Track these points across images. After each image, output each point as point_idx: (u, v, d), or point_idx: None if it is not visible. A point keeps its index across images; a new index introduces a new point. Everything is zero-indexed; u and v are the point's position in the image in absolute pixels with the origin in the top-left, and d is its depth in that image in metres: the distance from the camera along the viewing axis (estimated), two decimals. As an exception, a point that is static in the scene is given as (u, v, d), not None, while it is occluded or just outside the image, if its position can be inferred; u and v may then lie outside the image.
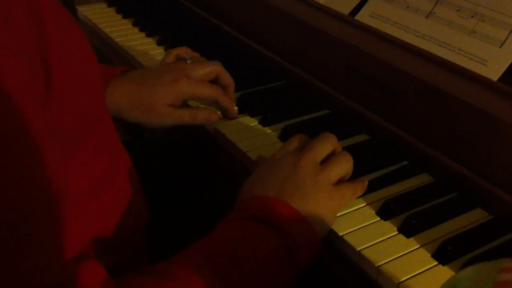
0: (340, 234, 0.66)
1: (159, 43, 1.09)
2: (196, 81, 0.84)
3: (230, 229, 0.63)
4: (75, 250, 0.46)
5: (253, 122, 0.86)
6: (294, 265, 0.62)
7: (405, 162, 0.77)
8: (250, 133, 0.83)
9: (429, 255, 0.63)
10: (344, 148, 0.79)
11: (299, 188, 0.65)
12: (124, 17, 1.20)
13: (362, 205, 0.70)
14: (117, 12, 1.23)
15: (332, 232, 0.67)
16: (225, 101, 0.85)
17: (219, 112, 0.86)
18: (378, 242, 0.65)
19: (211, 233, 0.62)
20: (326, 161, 0.70)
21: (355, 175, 0.72)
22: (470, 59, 0.75)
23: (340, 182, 0.70)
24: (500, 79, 0.72)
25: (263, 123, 0.85)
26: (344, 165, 0.70)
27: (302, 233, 0.63)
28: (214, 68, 0.87)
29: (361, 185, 0.71)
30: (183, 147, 1.01)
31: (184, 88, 0.82)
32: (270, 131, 0.84)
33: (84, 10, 1.22)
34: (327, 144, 0.71)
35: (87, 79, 0.58)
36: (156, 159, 0.98)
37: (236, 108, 0.89)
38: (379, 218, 0.68)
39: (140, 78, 0.84)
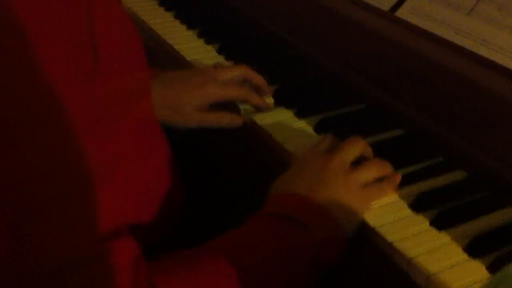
0: (372, 226, 0.67)
1: (199, 36, 1.11)
2: (224, 84, 0.86)
3: (259, 224, 0.65)
4: (108, 227, 0.47)
5: (289, 114, 0.87)
6: (319, 262, 0.64)
7: (441, 158, 0.77)
8: (286, 125, 0.85)
9: (461, 249, 0.64)
10: (379, 142, 0.80)
11: (329, 187, 0.67)
12: (167, 9, 1.23)
13: (395, 198, 0.71)
14: (160, 4, 1.25)
15: (365, 224, 0.68)
16: (255, 100, 0.87)
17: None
18: (410, 234, 0.65)
19: (241, 227, 0.64)
20: (355, 164, 0.71)
21: (394, 168, 0.73)
22: (511, 58, 0.75)
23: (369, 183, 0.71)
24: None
25: (299, 115, 0.86)
26: (373, 169, 0.71)
27: (330, 232, 0.65)
28: (240, 71, 0.89)
29: (391, 184, 0.71)
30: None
31: (211, 91, 0.84)
32: (305, 123, 0.85)
33: (127, 2, 1.25)
34: (356, 147, 0.72)
35: (131, 57, 0.60)
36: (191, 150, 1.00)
37: (272, 101, 0.90)
38: (411, 211, 0.69)
39: (168, 81, 0.86)
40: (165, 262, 0.56)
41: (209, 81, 0.85)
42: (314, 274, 0.65)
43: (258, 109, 0.89)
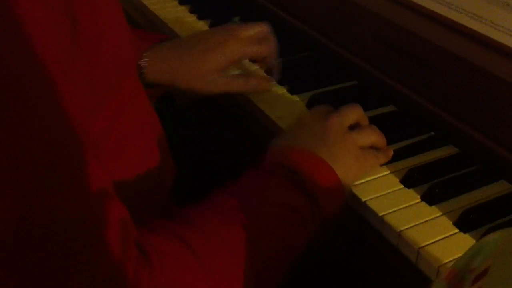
0: (363, 200, 0.67)
1: (192, 12, 1.10)
2: (245, 39, 0.82)
3: (256, 178, 0.64)
4: (99, 192, 0.48)
5: (281, 91, 0.87)
6: (316, 217, 0.63)
7: (431, 133, 0.78)
8: (279, 101, 0.85)
9: (451, 223, 0.64)
10: (371, 118, 0.80)
11: (328, 145, 0.67)
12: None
13: (386, 173, 0.71)
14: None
15: (355, 198, 0.68)
16: (273, 60, 0.84)
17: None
18: (401, 208, 0.66)
19: (237, 181, 0.63)
20: (353, 129, 0.71)
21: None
22: (502, 32, 0.75)
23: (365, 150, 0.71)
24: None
25: (291, 91, 0.86)
26: (372, 135, 0.71)
27: (329, 185, 0.65)
28: (262, 28, 0.84)
29: (385, 155, 0.72)
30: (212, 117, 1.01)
31: (234, 47, 0.80)
32: (298, 99, 0.85)
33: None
34: (354, 112, 0.72)
35: (114, 31, 0.58)
36: (186, 127, 1.00)
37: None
38: (402, 186, 0.69)
39: (184, 45, 0.82)
40: (157, 222, 0.56)
41: (230, 38, 0.81)
42: (313, 229, 0.64)
43: (270, 72, 0.86)
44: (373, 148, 0.72)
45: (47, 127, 0.45)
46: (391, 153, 0.72)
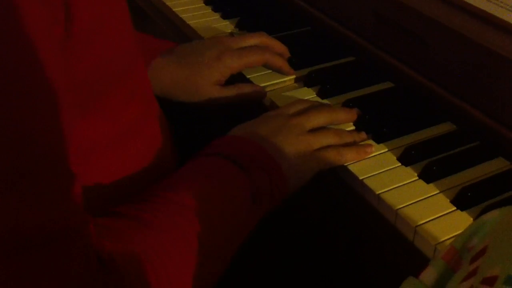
0: (361, 178, 0.67)
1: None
2: (239, 51, 0.81)
3: (197, 165, 0.64)
4: (72, 206, 0.47)
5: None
6: (257, 204, 0.63)
7: (429, 111, 0.77)
8: (272, 77, 0.84)
9: (448, 200, 0.64)
10: (368, 95, 0.79)
11: (278, 140, 0.67)
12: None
13: (383, 151, 0.70)
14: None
15: (353, 176, 0.68)
16: (277, 61, 0.82)
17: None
18: (398, 186, 0.66)
19: (180, 170, 0.63)
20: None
21: (380, 122, 0.73)
22: (500, 6, 0.74)
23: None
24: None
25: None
26: (330, 136, 0.70)
27: (270, 177, 0.64)
28: (260, 39, 0.83)
29: (355, 151, 0.69)
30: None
31: (228, 62, 0.79)
32: (294, 76, 0.84)
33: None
34: (321, 116, 0.72)
35: (114, 22, 0.55)
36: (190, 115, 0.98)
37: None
38: (400, 164, 0.69)
39: (182, 57, 0.80)
40: (107, 218, 0.55)
41: (224, 53, 0.80)
42: (255, 214, 0.64)
43: (281, 72, 0.83)
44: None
45: (19, 129, 0.42)
46: (370, 149, 0.70)
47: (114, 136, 0.60)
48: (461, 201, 0.64)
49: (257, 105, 0.82)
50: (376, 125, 0.73)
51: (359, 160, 0.69)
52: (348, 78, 0.84)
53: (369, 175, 0.67)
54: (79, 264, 0.46)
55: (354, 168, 0.68)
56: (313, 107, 0.73)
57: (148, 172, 0.65)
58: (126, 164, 0.63)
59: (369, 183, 0.66)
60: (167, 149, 0.70)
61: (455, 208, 0.63)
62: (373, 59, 0.85)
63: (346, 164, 0.68)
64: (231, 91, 0.80)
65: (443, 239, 0.60)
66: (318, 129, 0.71)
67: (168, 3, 1.03)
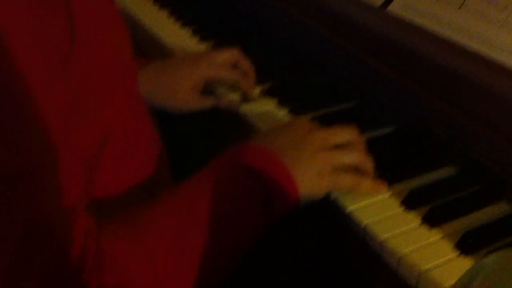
0: (364, 223, 0.67)
1: (194, 33, 1.11)
2: (216, 64, 0.89)
3: (210, 171, 0.65)
4: (69, 203, 0.50)
5: (282, 111, 0.87)
6: (268, 214, 0.64)
7: (431, 155, 0.78)
8: (279, 122, 0.85)
9: (452, 245, 0.64)
10: (371, 139, 0.80)
11: (298, 153, 0.67)
12: (162, 6, 1.22)
13: (387, 195, 0.71)
14: (155, 1, 1.25)
15: (356, 221, 0.68)
16: (244, 83, 0.89)
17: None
18: (401, 231, 0.66)
19: (193, 176, 0.64)
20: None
21: (383, 165, 0.73)
22: (501, 50, 0.75)
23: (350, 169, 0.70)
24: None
25: (293, 112, 0.87)
26: (354, 156, 0.70)
27: (283, 190, 0.65)
28: (232, 53, 0.91)
29: (368, 183, 0.70)
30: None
31: (203, 69, 0.87)
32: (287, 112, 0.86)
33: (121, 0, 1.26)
34: (346, 133, 0.72)
35: (112, 37, 0.61)
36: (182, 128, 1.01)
37: (258, 90, 0.92)
38: (403, 208, 0.69)
39: (163, 64, 0.88)
40: (113, 224, 0.57)
41: (201, 60, 0.88)
42: (263, 224, 0.65)
43: (245, 95, 0.90)
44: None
45: (19, 137, 0.46)
46: (381, 186, 0.71)
47: (108, 152, 0.62)
48: (465, 245, 0.64)
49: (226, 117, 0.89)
50: (380, 168, 0.74)
51: (361, 205, 0.69)
52: (351, 122, 0.85)
53: (372, 219, 0.67)
54: (74, 260, 0.49)
55: (357, 213, 0.68)
56: (351, 146, 0.72)
57: (143, 188, 0.68)
58: (120, 181, 0.65)
59: (372, 228, 0.66)
60: (162, 169, 0.72)
61: (459, 252, 0.63)
62: (374, 102, 0.86)
63: (348, 210, 0.69)
64: (207, 101, 0.88)
65: (446, 284, 0.60)
66: (342, 145, 0.71)
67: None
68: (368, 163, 0.71)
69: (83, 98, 0.56)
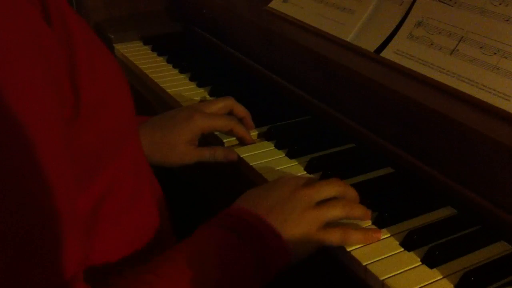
0: (364, 264, 0.67)
1: (191, 79, 1.14)
2: (210, 114, 0.89)
3: (207, 235, 0.66)
4: (70, 271, 0.50)
5: (280, 154, 0.88)
6: (259, 278, 0.65)
7: (430, 196, 0.78)
8: (277, 165, 0.86)
9: (452, 286, 0.64)
10: (368, 181, 0.81)
11: (285, 213, 0.68)
12: (159, 54, 1.25)
13: (386, 236, 0.71)
14: (153, 50, 1.28)
15: (356, 262, 0.68)
16: (240, 131, 0.90)
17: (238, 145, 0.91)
18: (402, 272, 0.66)
19: (185, 240, 0.65)
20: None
21: (382, 207, 0.74)
22: (493, 94, 0.77)
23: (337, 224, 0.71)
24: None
25: (290, 155, 0.88)
26: (338, 211, 0.71)
27: (273, 251, 0.66)
28: (226, 103, 0.92)
29: (363, 233, 0.70)
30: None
31: (198, 122, 0.87)
32: (296, 163, 0.86)
33: (121, 48, 1.28)
34: (331, 187, 0.73)
35: (115, 100, 0.61)
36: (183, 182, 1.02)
37: (255, 133, 0.94)
38: (403, 249, 0.69)
39: (156, 123, 0.88)
40: (110, 283, 0.57)
41: (195, 113, 0.88)
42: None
43: (242, 141, 0.91)
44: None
45: (23, 198, 0.46)
46: (378, 234, 0.71)
47: (108, 212, 0.63)
48: (465, 286, 0.64)
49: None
50: (378, 210, 0.74)
51: (361, 246, 0.69)
52: (349, 164, 0.86)
53: (373, 260, 0.67)
54: None
55: (357, 253, 0.68)
56: (337, 200, 0.72)
57: (144, 244, 0.68)
58: (120, 236, 0.65)
59: (373, 269, 0.66)
60: (163, 226, 0.72)
61: (459, 293, 0.63)
62: (372, 145, 0.88)
63: (349, 250, 0.69)
64: (204, 152, 0.87)
65: (449, 325, 0.59)
66: (327, 200, 0.72)
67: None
68: (356, 211, 0.72)
69: (83, 161, 0.57)
